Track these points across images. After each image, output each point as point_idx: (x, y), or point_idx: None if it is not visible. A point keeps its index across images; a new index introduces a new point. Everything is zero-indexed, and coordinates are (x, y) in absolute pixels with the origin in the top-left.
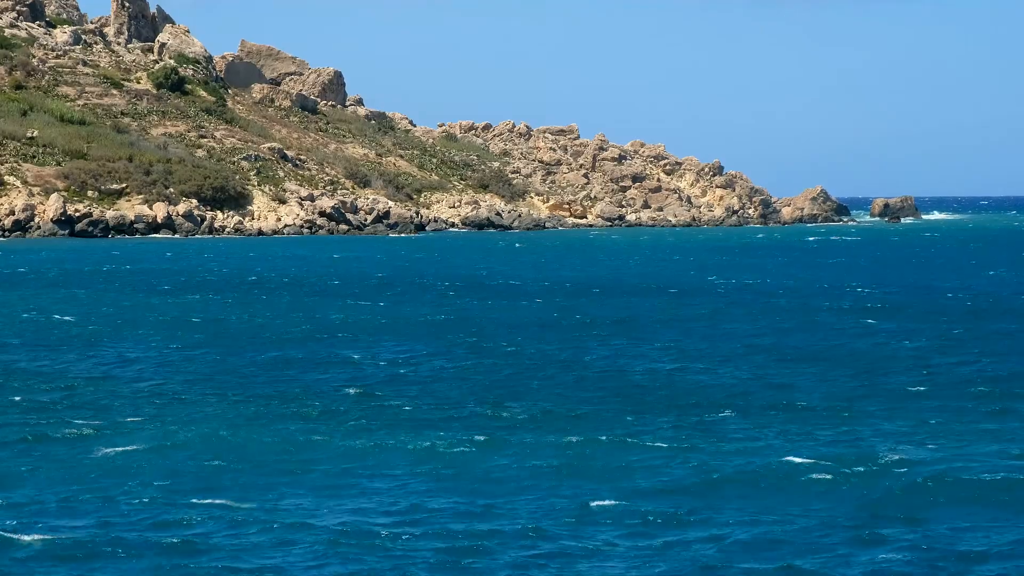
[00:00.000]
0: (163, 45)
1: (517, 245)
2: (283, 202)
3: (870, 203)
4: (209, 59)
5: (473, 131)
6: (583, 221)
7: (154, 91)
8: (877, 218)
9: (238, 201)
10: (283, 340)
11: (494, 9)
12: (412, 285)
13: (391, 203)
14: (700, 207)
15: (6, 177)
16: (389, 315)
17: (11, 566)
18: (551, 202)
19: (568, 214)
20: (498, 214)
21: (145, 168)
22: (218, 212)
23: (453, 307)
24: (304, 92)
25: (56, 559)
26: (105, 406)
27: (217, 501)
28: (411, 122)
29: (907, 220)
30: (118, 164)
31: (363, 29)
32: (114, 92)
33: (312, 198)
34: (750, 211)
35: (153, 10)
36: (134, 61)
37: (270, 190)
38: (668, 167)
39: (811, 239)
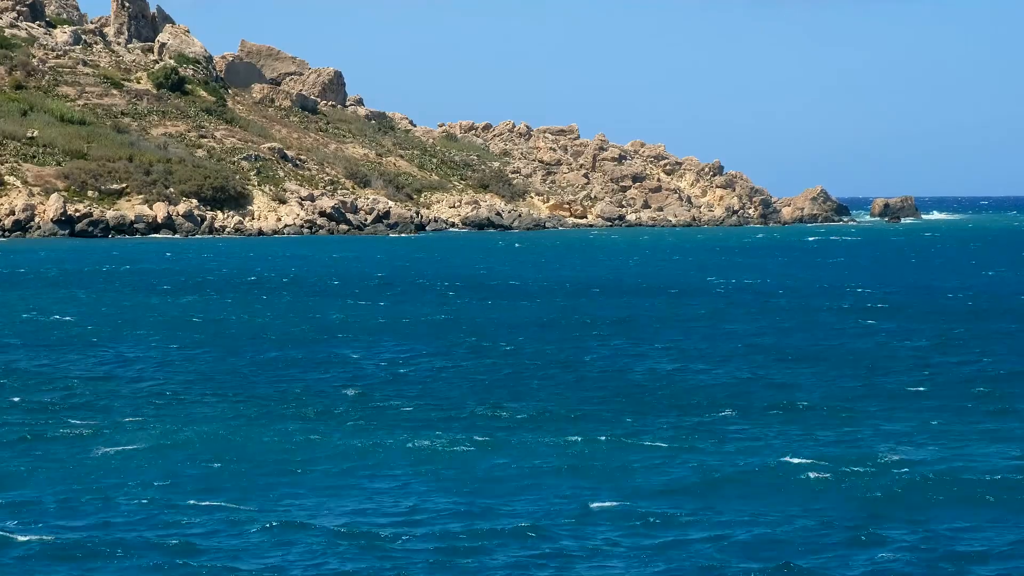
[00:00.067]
0: (163, 45)
1: (517, 245)
2: (283, 202)
3: (870, 203)
4: (209, 59)
5: (473, 131)
6: (583, 221)
7: (154, 91)
8: (877, 218)
9: (238, 201)
10: (283, 340)
11: (494, 9)
12: (412, 285)
13: (391, 203)
14: (700, 207)
15: (6, 177)
16: (389, 315)
17: (11, 566)
18: (551, 202)
19: (568, 214)
20: (498, 214)
21: (145, 168)
22: (218, 212)
23: (453, 307)
24: (304, 92)
25: (56, 559)
26: (105, 406)
27: (217, 501)
28: (411, 122)
29: (907, 220)
30: (118, 164)
31: (363, 29)
32: (114, 92)
33: (312, 198)
34: (750, 211)
35: (153, 10)
36: (134, 61)
37: (270, 190)
38: (668, 167)
39: (811, 239)
